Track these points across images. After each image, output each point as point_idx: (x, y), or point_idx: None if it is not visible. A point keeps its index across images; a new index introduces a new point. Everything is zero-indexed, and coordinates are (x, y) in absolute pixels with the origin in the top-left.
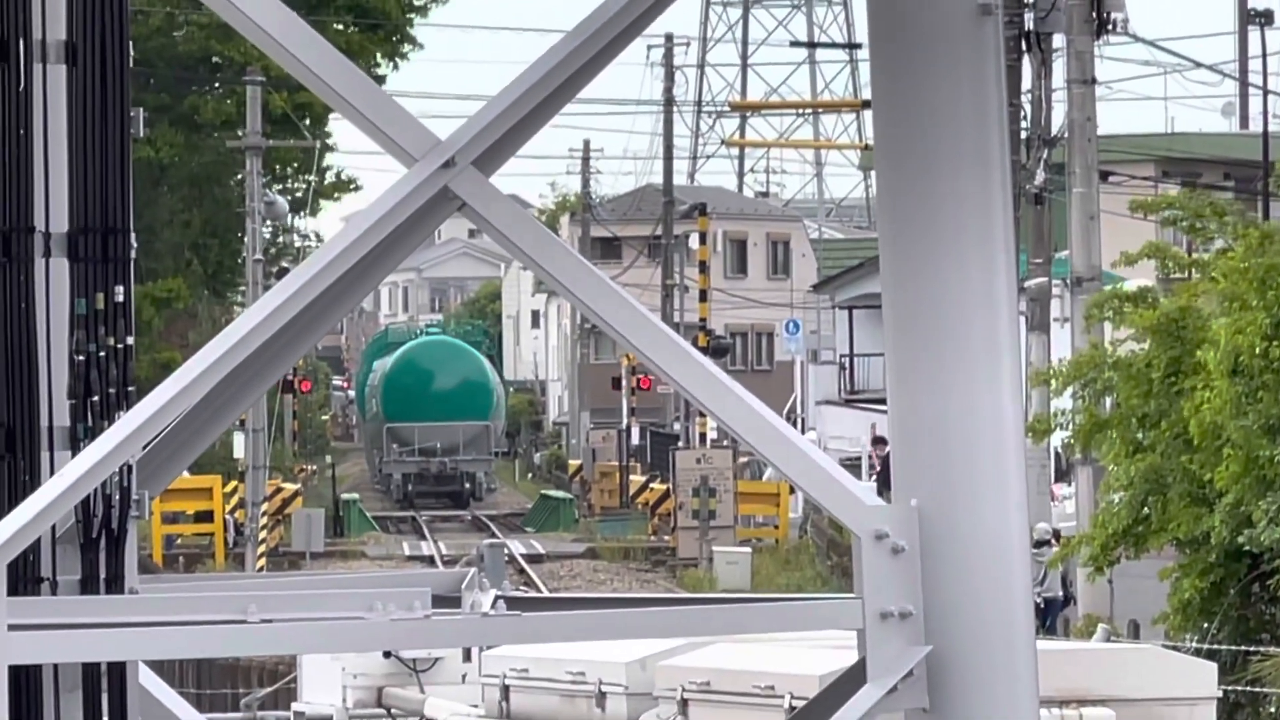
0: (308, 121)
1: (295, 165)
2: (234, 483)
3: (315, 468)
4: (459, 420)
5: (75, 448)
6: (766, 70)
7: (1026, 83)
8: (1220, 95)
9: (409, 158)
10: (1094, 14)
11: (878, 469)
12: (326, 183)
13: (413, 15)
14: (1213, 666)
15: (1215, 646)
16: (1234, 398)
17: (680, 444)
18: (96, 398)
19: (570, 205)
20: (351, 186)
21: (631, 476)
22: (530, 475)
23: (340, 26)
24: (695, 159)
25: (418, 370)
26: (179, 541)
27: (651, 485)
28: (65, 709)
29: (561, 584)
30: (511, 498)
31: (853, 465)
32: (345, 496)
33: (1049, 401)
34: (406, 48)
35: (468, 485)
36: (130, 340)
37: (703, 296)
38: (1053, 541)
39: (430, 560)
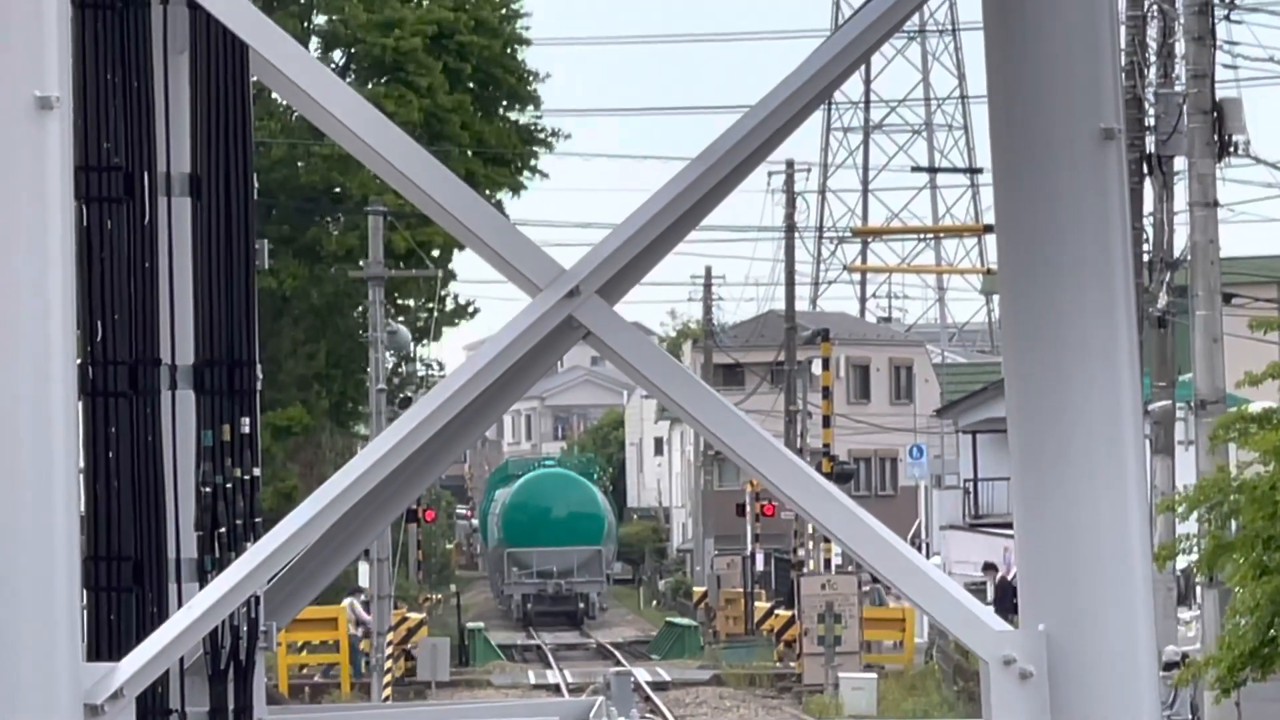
0: (435, 253)
1: (418, 296)
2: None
3: (440, 596)
4: (573, 545)
5: (203, 580)
6: (888, 195)
7: (1148, 206)
8: None
9: (534, 287)
10: (1216, 136)
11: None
12: (446, 309)
13: (536, 148)
14: None
15: None
16: None
17: (805, 570)
18: (223, 529)
19: (692, 332)
20: (470, 313)
21: (756, 603)
22: (655, 602)
23: (463, 158)
24: (817, 285)
25: (536, 499)
26: (304, 671)
27: (776, 611)
28: None
29: (688, 711)
30: (636, 625)
31: (978, 590)
32: (470, 625)
33: (1174, 527)
34: (526, 177)
35: (582, 605)
36: (256, 472)
37: (826, 422)
38: (1181, 664)
39: (556, 689)
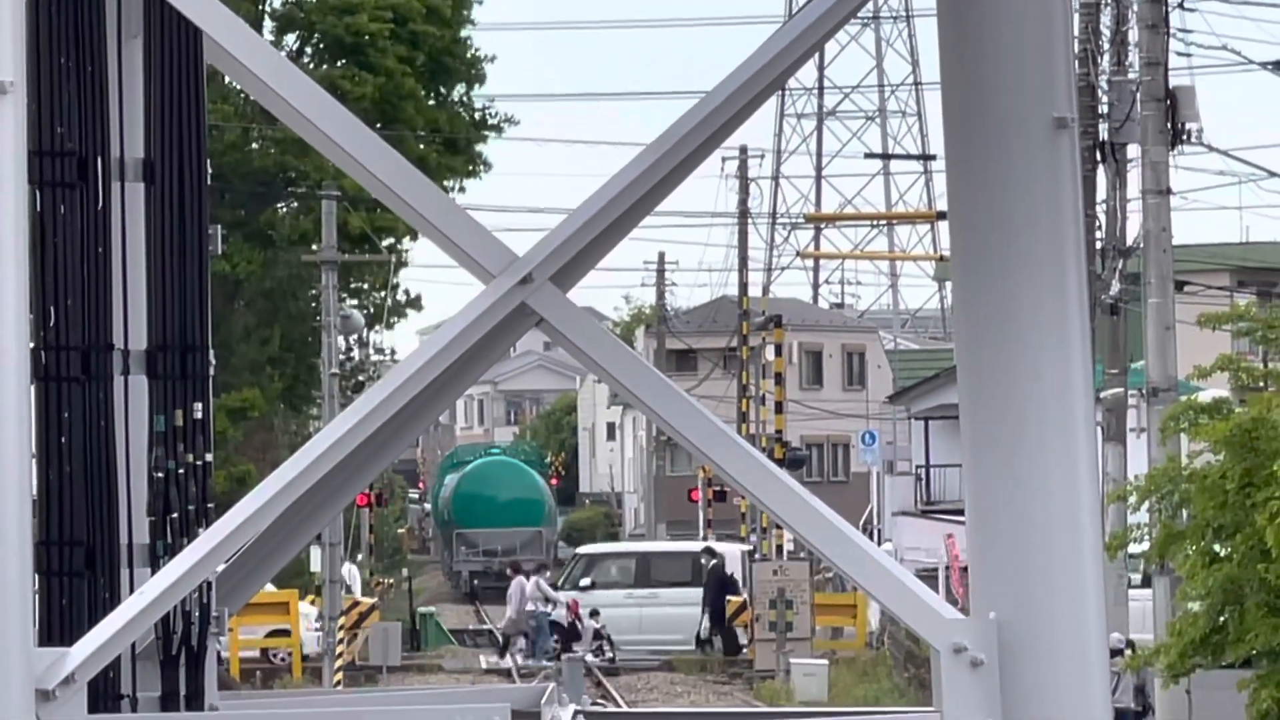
0: (393, 240)
1: (370, 281)
2: (311, 596)
3: (392, 581)
4: (516, 527)
5: (155, 565)
6: (841, 182)
7: (1101, 193)
8: None
9: (486, 274)
10: (1169, 125)
11: None
12: (398, 299)
13: (487, 133)
14: None
15: None
16: None
17: (757, 556)
18: (176, 514)
19: (645, 318)
20: (417, 306)
21: None
22: None
23: (417, 143)
24: (770, 271)
25: (483, 485)
26: (255, 656)
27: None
28: None
29: (639, 697)
30: None
31: (929, 577)
32: (422, 610)
33: (1125, 516)
34: (476, 167)
35: None
36: (209, 457)
37: (778, 408)
38: (1125, 651)
39: (508, 674)
